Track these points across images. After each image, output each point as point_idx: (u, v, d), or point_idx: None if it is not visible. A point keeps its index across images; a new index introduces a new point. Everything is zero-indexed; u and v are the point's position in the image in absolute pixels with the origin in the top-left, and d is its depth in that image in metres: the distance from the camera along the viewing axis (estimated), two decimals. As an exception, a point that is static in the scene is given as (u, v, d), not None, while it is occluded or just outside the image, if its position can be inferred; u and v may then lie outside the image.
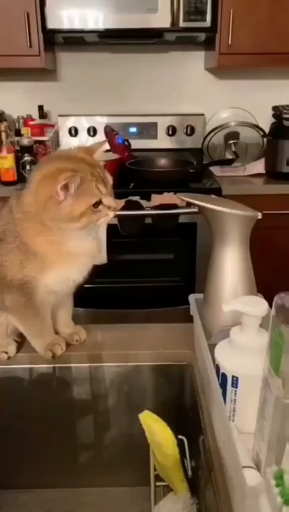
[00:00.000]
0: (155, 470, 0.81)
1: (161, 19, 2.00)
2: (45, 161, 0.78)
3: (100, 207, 0.74)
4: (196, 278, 2.05)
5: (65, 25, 2.01)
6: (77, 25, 2.01)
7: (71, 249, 0.77)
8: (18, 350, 0.89)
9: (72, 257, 0.78)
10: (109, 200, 0.75)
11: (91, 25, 2.01)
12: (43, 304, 0.81)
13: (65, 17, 1.99)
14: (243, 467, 0.53)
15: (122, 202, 1.88)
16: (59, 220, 0.73)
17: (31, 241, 0.75)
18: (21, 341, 0.90)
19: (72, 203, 0.71)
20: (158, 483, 0.81)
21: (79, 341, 0.91)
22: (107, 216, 0.76)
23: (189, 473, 0.77)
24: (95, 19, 1.99)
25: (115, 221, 1.87)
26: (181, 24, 2.00)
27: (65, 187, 0.69)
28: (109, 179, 0.77)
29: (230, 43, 2.05)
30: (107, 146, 0.83)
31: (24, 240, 0.76)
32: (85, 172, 0.72)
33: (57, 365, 0.89)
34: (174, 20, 1.99)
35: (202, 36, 2.19)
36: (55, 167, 0.73)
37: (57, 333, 0.90)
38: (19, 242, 0.76)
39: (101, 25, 2.01)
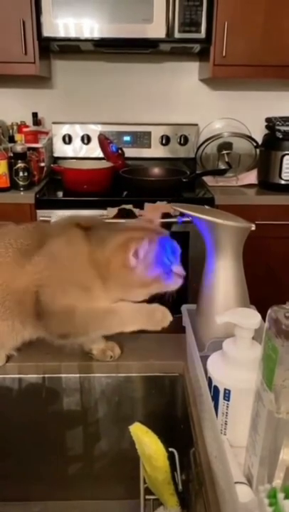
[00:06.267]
0: (145, 483, 0.80)
1: (156, 29, 2.01)
2: (120, 228, 0.80)
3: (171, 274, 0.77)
4: (188, 287, 2.05)
5: (61, 34, 2.02)
6: (72, 34, 2.02)
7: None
8: (8, 359, 0.88)
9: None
10: (179, 268, 0.78)
11: (87, 34, 2.01)
12: None
13: (60, 25, 2.00)
14: (235, 483, 0.52)
15: (115, 210, 1.87)
16: (130, 287, 0.76)
17: (87, 282, 0.76)
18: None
19: (144, 270, 0.74)
20: (148, 497, 0.80)
21: (113, 358, 0.87)
22: (176, 283, 0.78)
23: (180, 486, 0.76)
24: (90, 28, 2.00)
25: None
26: (176, 35, 2.02)
27: (136, 253, 0.72)
28: (178, 248, 0.79)
29: (224, 54, 2.07)
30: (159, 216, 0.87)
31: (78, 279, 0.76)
32: (154, 240, 0.75)
33: (47, 376, 0.87)
34: (169, 31, 2.01)
35: (197, 47, 2.21)
36: (127, 236, 0.76)
37: (87, 351, 0.88)
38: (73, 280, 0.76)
39: (96, 34, 2.02)
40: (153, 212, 0.86)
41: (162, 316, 0.78)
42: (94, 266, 0.76)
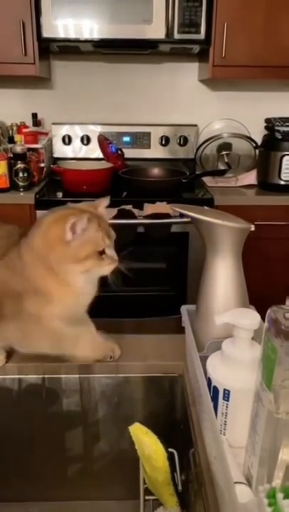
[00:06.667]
0: (145, 483, 0.80)
1: (155, 30, 2.01)
2: (56, 209, 0.82)
3: (104, 256, 0.78)
4: (187, 287, 2.05)
5: (61, 35, 2.02)
6: (72, 35, 2.02)
7: (75, 289, 0.79)
8: (8, 360, 0.88)
9: (77, 295, 0.80)
10: (112, 252, 0.79)
11: (86, 35, 2.02)
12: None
13: (60, 26, 2.00)
14: (235, 483, 0.52)
15: (114, 211, 1.88)
16: (65, 262, 0.76)
17: (40, 280, 0.77)
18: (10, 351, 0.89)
19: (79, 246, 0.75)
20: (147, 497, 0.80)
21: (113, 358, 0.88)
22: (109, 266, 0.79)
23: (179, 487, 0.76)
24: (90, 29, 2.00)
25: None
26: (176, 36, 2.02)
27: (73, 227, 0.74)
28: (113, 234, 0.81)
29: (223, 55, 2.07)
30: (108, 202, 0.88)
31: (32, 281, 0.78)
32: (93, 220, 0.76)
33: (46, 376, 0.88)
34: (169, 32, 2.01)
35: (196, 48, 2.21)
36: (65, 212, 0.78)
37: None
38: (29, 285, 0.78)
39: (96, 35, 2.02)
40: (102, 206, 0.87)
41: (112, 349, 0.87)
42: (43, 263, 0.77)
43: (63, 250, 0.76)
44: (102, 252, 0.78)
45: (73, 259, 0.76)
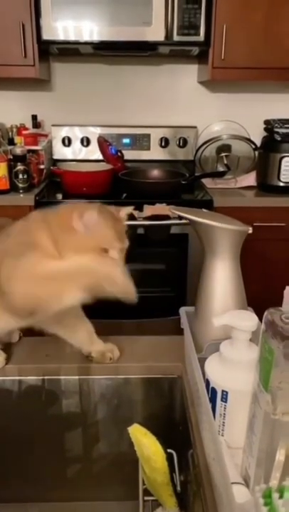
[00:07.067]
0: (144, 484, 0.80)
1: (155, 32, 2.02)
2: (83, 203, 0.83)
3: (105, 255, 0.77)
4: (187, 288, 2.06)
5: (60, 37, 2.02)
6: (72, 37, 2.02)
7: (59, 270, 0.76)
8: (8, 361, 0.88)
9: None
10: (116, 255, 0.78)
11: (86, 37, 2.02)
12: None
13: (60, 28, 2.01)
14: (232, 483, 0.53)
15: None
16: (68, 248, 0.75)
17: (36, 233, 0.77)
18: (8, 350, 0.90)
19: (84, 236, 0.75)
20: (146, 498, 0.81)
21: (112, 360, 0.88)
22: (110, 271, 0.76)
23: (178, 487, 0.77)
24: (90, 31, 2.01)
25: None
26: (175, 38, 2.03)
27: (82, 215, 0.74)
28: (126, 241, 0.80)
29: (223, 57, 2.07)
30: (130, 211, 0.87)
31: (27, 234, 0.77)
32: (106, 217, 0.76)
33: (46, 377, 0.88)
34: (168, 34, 2.02)
35: (195, 50, 2.21)
36: (83, 204, 0.79)
37: (86, 354, 0.89)
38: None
39: (96, 37, 2.03)
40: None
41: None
42: (47, 228, 0.77)
43: (70, 237, 0.75)
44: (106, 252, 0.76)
45: (75, 247, 0.75)
